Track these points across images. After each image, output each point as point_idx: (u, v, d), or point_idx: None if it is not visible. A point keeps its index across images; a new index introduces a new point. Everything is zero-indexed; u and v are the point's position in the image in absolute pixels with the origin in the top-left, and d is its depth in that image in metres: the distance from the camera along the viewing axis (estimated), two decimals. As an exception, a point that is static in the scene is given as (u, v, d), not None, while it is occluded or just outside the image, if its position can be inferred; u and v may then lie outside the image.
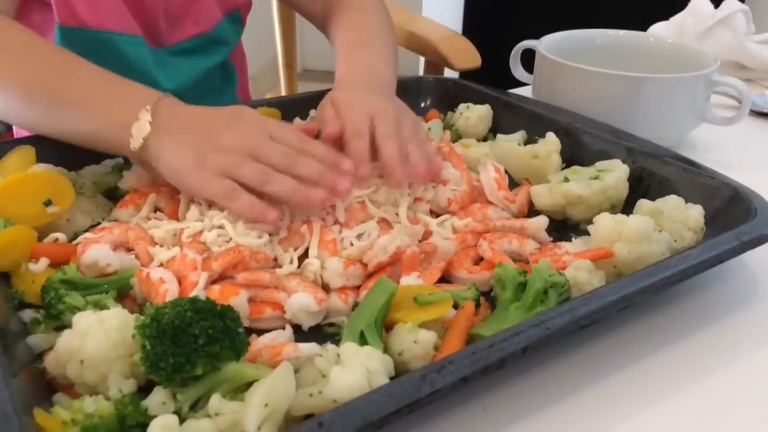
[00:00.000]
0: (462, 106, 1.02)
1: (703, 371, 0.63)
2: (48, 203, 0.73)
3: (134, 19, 1.04)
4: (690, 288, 0.71)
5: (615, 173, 0.80)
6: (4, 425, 0.49)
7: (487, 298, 0.68)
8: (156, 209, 0.78)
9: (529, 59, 1.10)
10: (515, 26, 2.40)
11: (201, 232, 0.71)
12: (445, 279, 0.72)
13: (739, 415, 0.59)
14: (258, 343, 0.60)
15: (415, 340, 0.59)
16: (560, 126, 0.92)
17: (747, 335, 0.68)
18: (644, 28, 1.36)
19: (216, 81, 1.24)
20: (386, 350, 0.59)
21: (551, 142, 0.88)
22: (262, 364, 0.57)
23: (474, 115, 1.00)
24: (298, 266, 0.70)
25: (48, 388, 0.58)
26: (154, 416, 0.52)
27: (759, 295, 0.73)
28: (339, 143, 0.81)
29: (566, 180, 0.81)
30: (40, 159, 0.79)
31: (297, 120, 0.98)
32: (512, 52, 1.12)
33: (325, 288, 0.68)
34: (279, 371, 0.54)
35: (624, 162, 0.83)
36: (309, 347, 0.59)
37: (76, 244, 0.71)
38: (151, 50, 1.08)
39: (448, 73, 1.57)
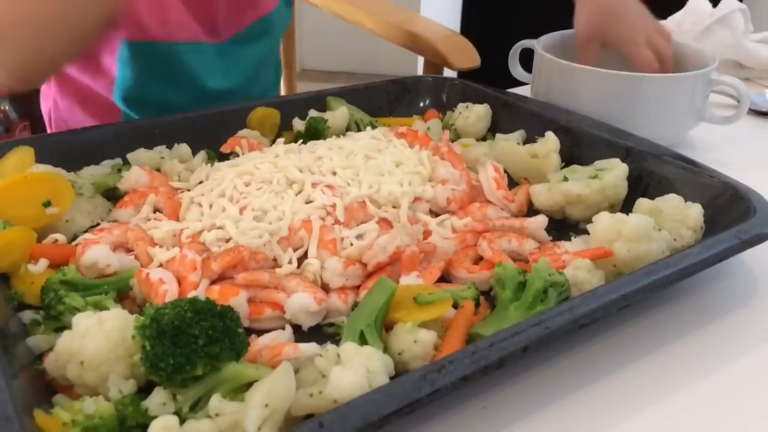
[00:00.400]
0: (461, 106, 1.02)
1: (704, 370, 0.63)
2: (47, 204, 0.73)
3: (195, 22, 1.05)
4: (689, 287, 0.71)
5: (614, 172, 0.80)
6: (5, 427, 0.49)
7: (487, 297, 0.68)
8: (155, 210, 0.78)
9: (528, 59, 1.10)
10: (514, 26, 2.40)
11: (200, 232, 0.71)
12: (444, 278, 0.72)
13: (740, 413, 0.59)
14: (258, 343, 0.60)
15: (415, 340, 0.59)
16: (559, 125, 0.92)
17: (747, 333, 0.68)
18: (643, 27, 1.36)
19: (270, 77, 1.27)
20: (386, 350, 0.59)
21: (550, 141, 0.88)
22: (262, 364, 0.57)
23: (473, 114, 1.00)
24: (298, 266, 0.70)
25: (48, 389, 0.58)
26: (155, 417, 0.52)
27: (758, 294, 0.73)
28: None
29: (565, 179, 0.81)
30: (39, 160, 0.79)
31: (296, 120, 0.98)
32: (511, 52, 1.12)
33: (325, 288, 0.68)
34: (279, 371, 0.54)
35: (623, 161, 0.83)
36: (309, 347, 0.59)
37: (76, 245, 0.71)
38: (211, 48, 1.10)
39: (447, 73, 1.57)
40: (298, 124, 0.97)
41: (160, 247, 0.71)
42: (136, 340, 0.55)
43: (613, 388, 0.61)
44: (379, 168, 0.80)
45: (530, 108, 0.99)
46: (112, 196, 0.82)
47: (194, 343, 0.53)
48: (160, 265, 0.69)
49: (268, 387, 0.53)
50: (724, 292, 0.73)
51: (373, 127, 0.96)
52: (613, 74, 0.96)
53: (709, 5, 1.38)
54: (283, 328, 0.64)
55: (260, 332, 0.63)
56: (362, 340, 0.59)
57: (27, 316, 0.64)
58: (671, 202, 0.75)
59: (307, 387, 0.54)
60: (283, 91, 1.79)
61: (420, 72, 1.71)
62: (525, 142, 0.93)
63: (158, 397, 0.54)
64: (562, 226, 0.81)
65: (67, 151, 0.84)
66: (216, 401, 0.52)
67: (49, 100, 1.14)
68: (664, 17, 1.42)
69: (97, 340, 0.56)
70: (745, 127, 1.12)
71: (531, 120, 0.96)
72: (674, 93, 0.98)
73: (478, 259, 0.74)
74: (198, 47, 1.08)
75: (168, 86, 1.10)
